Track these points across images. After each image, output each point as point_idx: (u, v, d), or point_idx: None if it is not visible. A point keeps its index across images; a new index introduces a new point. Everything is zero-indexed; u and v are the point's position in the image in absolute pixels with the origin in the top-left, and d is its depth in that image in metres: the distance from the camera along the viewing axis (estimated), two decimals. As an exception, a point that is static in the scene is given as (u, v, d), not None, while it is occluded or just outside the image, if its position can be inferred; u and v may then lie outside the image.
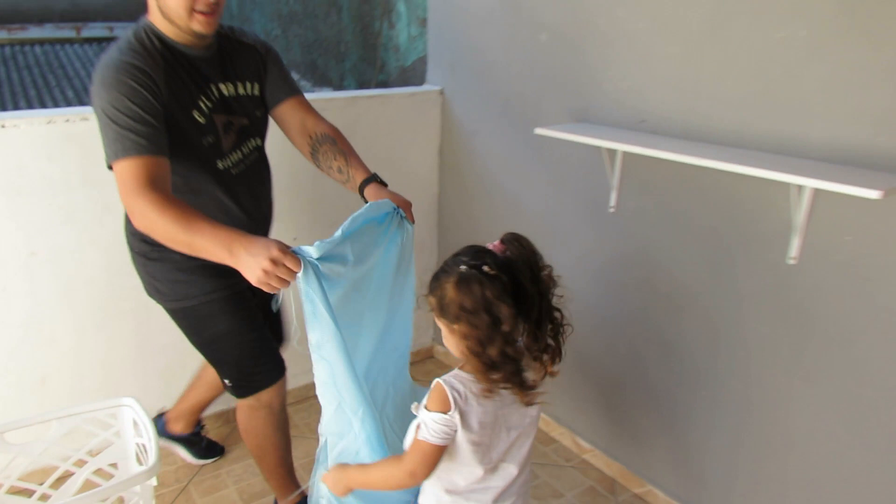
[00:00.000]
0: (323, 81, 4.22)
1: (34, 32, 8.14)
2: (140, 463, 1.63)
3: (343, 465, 1.40)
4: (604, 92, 2.02)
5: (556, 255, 2.31)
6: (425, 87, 2.71)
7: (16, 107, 5.63)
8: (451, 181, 2.76)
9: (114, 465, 1.66)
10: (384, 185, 1.66)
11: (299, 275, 1.30)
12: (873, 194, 1.28)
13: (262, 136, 1.77)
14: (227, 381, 1.73)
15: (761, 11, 1.58)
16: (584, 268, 2.22)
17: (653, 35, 1.84)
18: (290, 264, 1.28)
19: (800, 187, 1.53)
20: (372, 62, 3.46)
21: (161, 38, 1.49)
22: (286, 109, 1.73)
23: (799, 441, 1.72)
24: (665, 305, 1.99)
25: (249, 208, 1.68)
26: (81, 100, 5.87)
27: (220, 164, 1.59)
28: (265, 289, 1.31)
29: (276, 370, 1.74)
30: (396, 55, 3.18)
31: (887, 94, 1.40)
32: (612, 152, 1.97)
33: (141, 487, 1.40)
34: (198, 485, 2.22)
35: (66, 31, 8.35)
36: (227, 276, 1.60)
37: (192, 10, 1.43)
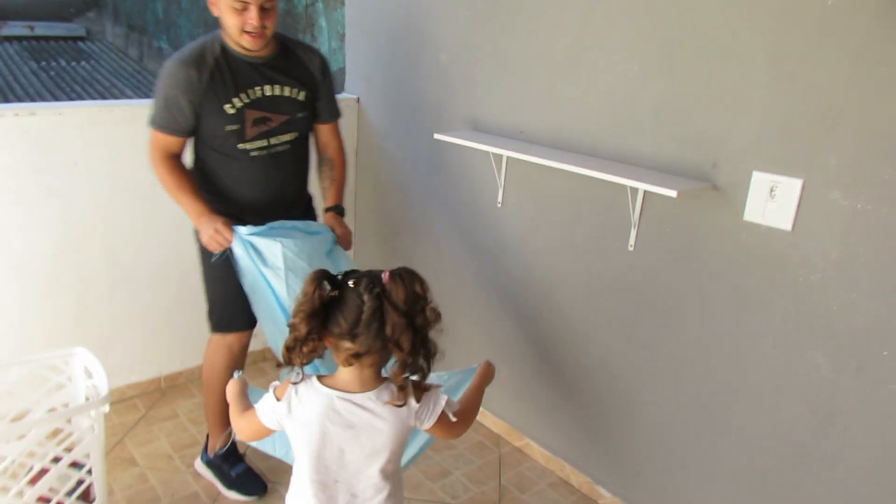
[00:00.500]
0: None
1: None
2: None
3: (237, 385, 1.44)
4: (491, 106, 2.42)
5: (454, 244, 2.69)
6: (344, 95, 3.05)
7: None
8: (366, 179, 3.10)
9: (66, 405, 1.91)
10: (341, 215, 2.18)
11: (234, 243, 1.84)
12: (672, 193, 1.72)
13: (300, 133, 2.15)
14: (209, 313, 2.17)
15: (607, 48, 2.01)
16: (475, 254, 2.61)
17: (527, 61, 2.25)
18: (226, 234, 1.88)
19: (633, 189, 1.96)
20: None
21: (223, 47, 1.97)
22: (322, 129, 2.24)
23: (634, 391, 2.15)
24: (539, 286, 2.39)
25: (261, 184, 2.09)
26: (6, 97, 5.87)
27: (240, 147, 2.02)
28: (210, 247, 1.91)
29: (244, 322, 2.14)
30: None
31: (694, 120, 1.84)
32: (499, 157, 2.36)
33: (94, 413, 1.67)
34: (132, 437, 2.48)
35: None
36: None
37: (241, 31, 1.88)
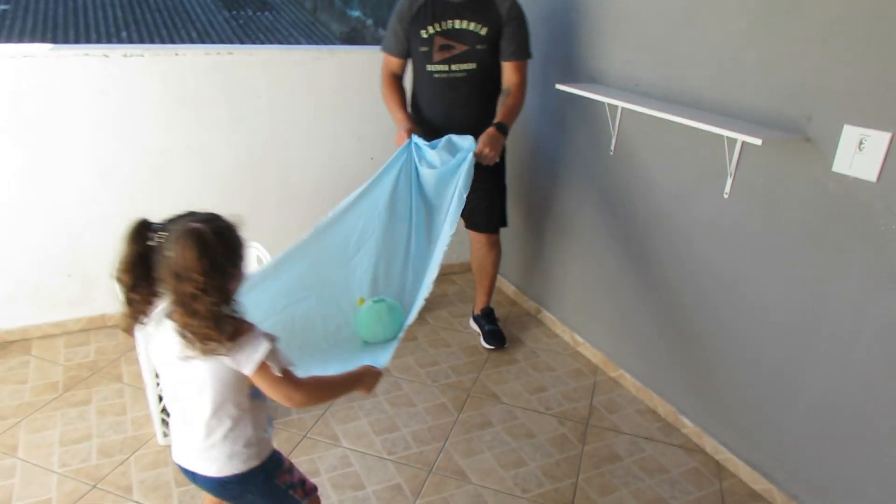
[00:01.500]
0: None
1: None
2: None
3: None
4: (610, 61, 2.61)
5: (569, 187, 2.94)
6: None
7: (151, 41, 6.62)
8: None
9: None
10: (501, 132, 2.51)
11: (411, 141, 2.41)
12: (757, 141, 1.87)
13: (479, 65, 2.56)
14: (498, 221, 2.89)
15: (718, 6, 2.14)
16: (586, 198, 2.84)
17: (647, 19, 2.42)
18: (403, 137, 2.44)
19: (730, 140, 2.10)
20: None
21: None
22: (505, 66, 2.61)
23: (721, 329, 2.32)
24: (641, 229, 2.59)
25: (438, 104, 2.64)
26: (203, 40, 6.78)
27: (428, 68, 2.58)
28: (397, 144, 2.46)
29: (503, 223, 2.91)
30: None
31: (793, 74, 1.95)
32: (614, 108, 2.57)
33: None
34: (334, 413, 2.48)
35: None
36: None
37: None
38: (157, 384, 2.13)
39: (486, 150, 2.41)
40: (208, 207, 1.29)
